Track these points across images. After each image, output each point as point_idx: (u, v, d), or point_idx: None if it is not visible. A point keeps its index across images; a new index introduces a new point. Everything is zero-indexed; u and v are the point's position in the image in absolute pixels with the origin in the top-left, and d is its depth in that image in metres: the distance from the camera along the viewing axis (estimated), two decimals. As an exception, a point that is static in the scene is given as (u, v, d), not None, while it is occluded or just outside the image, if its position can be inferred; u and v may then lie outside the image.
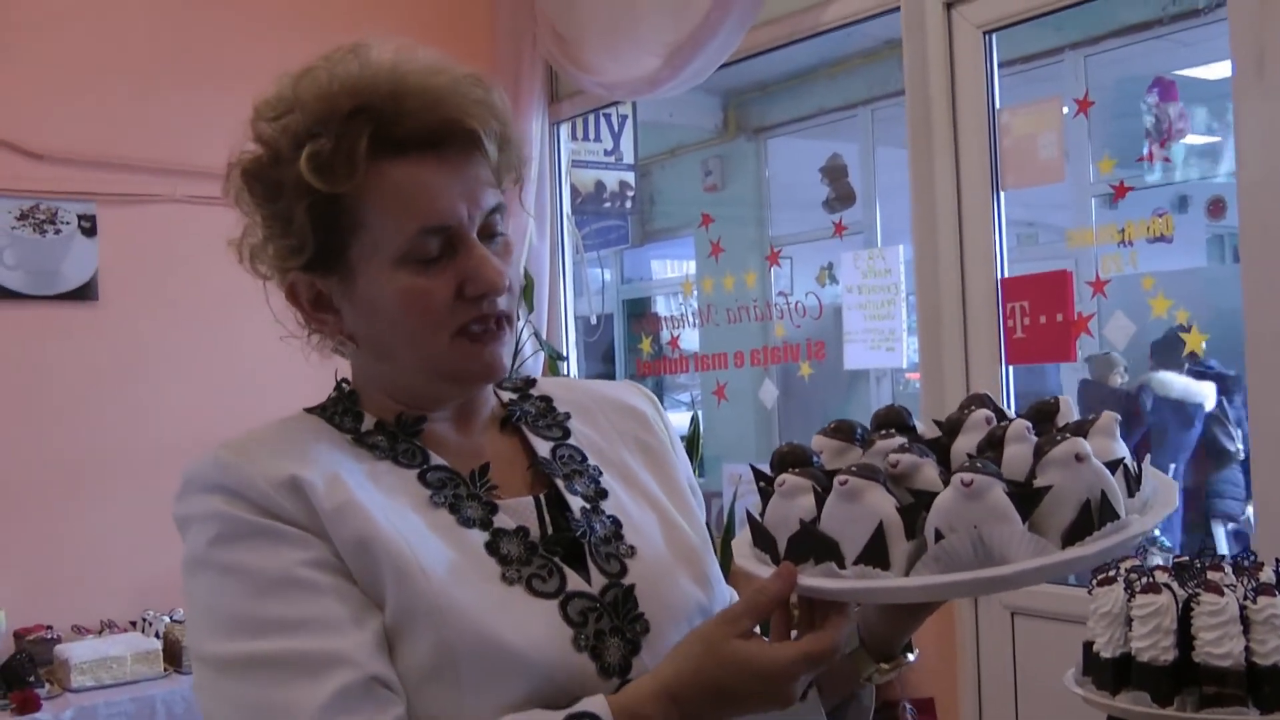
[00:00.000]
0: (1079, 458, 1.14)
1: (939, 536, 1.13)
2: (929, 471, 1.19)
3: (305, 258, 1.32)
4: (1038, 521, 1.14)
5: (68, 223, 4.42)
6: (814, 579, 1.18)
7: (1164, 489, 1.26)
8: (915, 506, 1.16)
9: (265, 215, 1.33)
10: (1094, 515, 1.13)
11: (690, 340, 5.23)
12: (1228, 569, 1.79)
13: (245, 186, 1.34)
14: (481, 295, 1.31)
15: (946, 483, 1.17)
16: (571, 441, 1.47)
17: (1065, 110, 3.55)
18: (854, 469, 1.17)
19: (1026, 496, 1.13)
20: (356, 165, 1.27)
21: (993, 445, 1.22)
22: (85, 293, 4.45)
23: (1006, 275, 3.59)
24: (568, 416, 1.51)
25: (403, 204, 1.28)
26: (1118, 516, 1.15)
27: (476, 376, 1.36)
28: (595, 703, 1.20)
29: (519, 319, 1.49)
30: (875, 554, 1.15)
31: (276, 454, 1.28)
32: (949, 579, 1.13)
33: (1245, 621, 1.66)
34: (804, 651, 1.18)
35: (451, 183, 1.30)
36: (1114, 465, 1.18)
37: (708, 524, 1.53)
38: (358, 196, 1.28)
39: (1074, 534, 1.13)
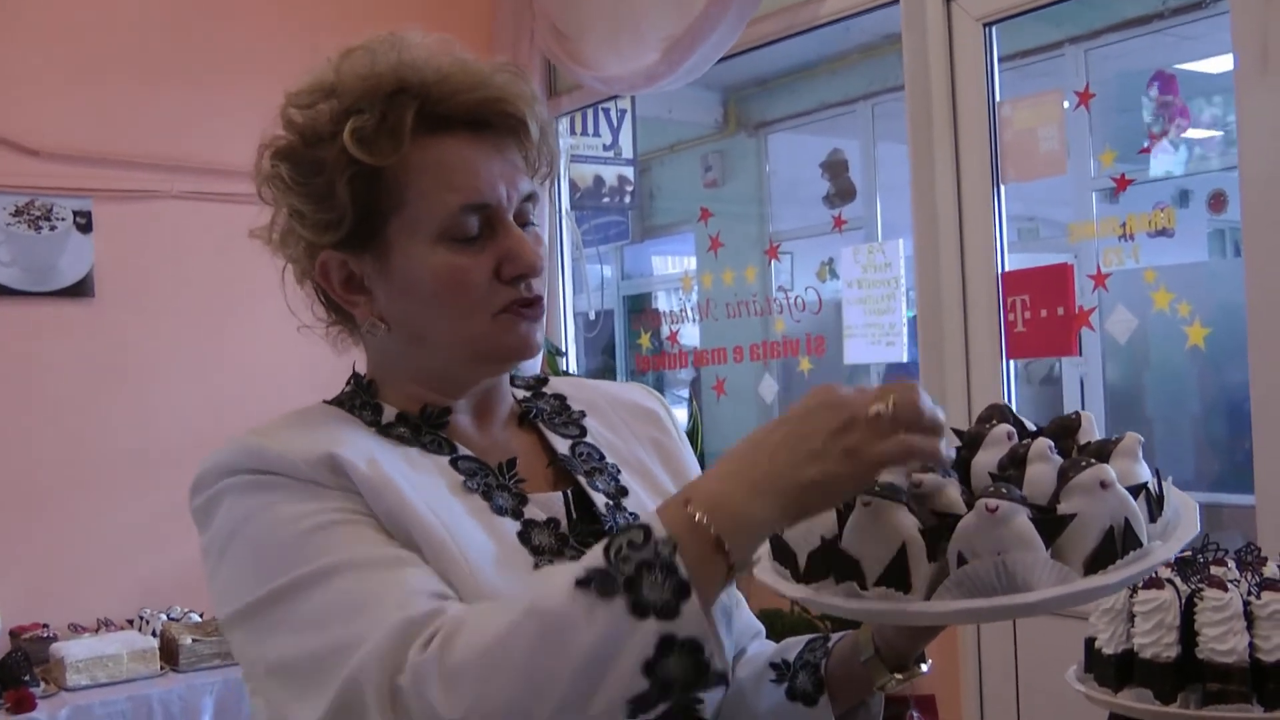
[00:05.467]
0: (1104, 484, 1.13)
1: (962, 560, 1.11)
2: (952, 492, 1.17)
3: (342, 233, 1.32)
4: (1061, 547, 1.12)
5: (63, 219, 4.41)
6: (836, 598, 1.16)
7: (1185, 511, 1.24)
8: (939, 529, 1.14)
9: (303, 192, 1.31)
10: (1117, 543, 1.12)
11: (690, 335, 5.21)
12: (1231, 564, 1.77)
13: (278, 168, 1.33)
14: (519, 276, 1.32)
15: (969, 503, 1.16)
16: (589, 440, 1.47)
17: (1066, 104, 3.54)
18: (877, 488, 1.15)
19: (1050, 523, 1.12)
20: (402, 138, 1.28)
21: (1015, 463, 1.20)
22: (81, 289, 4.44)
23: (1007, 269, 3.58)
24: (583, 415, 1.50)
25: (445, 180, 1.30)
26: (1140, 544, 1.13)
27: (513, 353, 1.36)
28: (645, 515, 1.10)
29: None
30: (897, 576, 1.13)
31: (305, 436, 1.26)
32: (971, 605, 1.11)
33: (1249, 617, 1.65)
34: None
35: (493, 163, 1.32)
36: (1137, 489, 1.16)
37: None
38: (400, 171, 1.30)
39: (1096, 561, 1.12)
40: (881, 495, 1.14)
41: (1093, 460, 1.16)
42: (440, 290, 1.31)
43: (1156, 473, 1.23)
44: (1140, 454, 1.22)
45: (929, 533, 1.13)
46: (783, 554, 1.24)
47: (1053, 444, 1.20)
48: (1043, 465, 1.17)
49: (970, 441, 1.28)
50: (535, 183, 1.39)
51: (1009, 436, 1.24)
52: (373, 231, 1.32)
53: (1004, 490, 1.12)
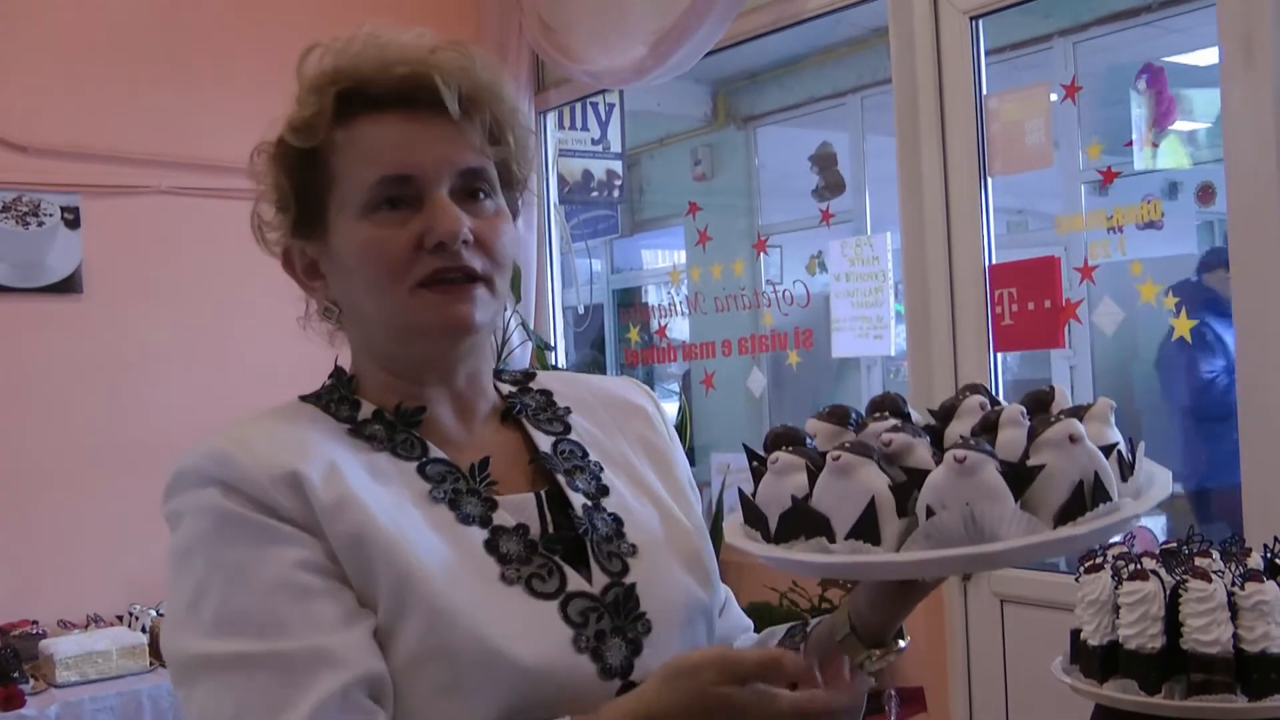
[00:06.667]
0: (1073, 438, 1.13)
1: (930, 513, 1.12)
2: (922, 451, 1.18)
3: (292, 219, 1.35)
4: (1030, 501, 1.13)
5: (51, 214, 4.40)
6: (804, 554, 1.16)
7: (1158, 476, 1.25)
8: (908, 484, 1.15)
9: (265, 186, 1.36)
10: (1087, 496, 1.12)
11: (680, 329, 5.21)
12: (1216, 555, 1.78)
13: (254, 162, 1.38)
14: (438, 245, 1.29)
15: (940, 462, 1.16)
16: (572, 437, 1.46)
17: (1053, 96, 3.54)
18: (847, 445, 1.15)
19: (1019, 475, 1.12)
20: (324, 119, 1.31)
21: (987, 429, 1.21)
22: (69, 285, 4.44)
23: (994, 262, 3.58)
24: (568, 411, 1.49)
25: (367, 155, 1.31)
26: (1110, 498, 1.13)
27: (437, 329, 1.32)
28: None
29: (507, 307, 1.48)
30: (866, 529, 1.13)
31: (274, 446, 1.26)
32: (938, 554, 1.11)
33: (1233, 608, 1.65)
34: (796, 705, 1.15)
35: (417, 136, 1.31)
36: (1108, 450, 1.17)
37: (697, 515, 1.51)
38: (330, 152, 1.32)
39: (1066, 514, 1.12)
40: (852, 451, 1.14)
41: (1062, 416, 1.16)
42: (361, 264, 1.31)
43: (1129, 440, 1.23)
44: (1112, 419, 1.23)
45: (898, 488, 1.14)
46: (753, 517, 1.24)
47: (1025, 410, 1.20)
48: (1014, 430, 1.18)
49: (945, 413, 1.29)
50: (488, 157, 1.36)
51: (981, 407, 1.25)
52: (315, 215, 1.34)
53: (973, 443, 1.13)
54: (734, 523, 1.30)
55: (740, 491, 1.29)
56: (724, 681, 1.15)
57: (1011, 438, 1.18)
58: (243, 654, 1.17)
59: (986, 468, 1.11)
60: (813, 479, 1.18)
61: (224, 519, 1.21)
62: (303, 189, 1.34)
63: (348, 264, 1.32)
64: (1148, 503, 1.17)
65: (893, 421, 1.24)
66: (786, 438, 1.28)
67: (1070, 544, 1.13)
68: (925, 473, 1.14)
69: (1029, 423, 1.19)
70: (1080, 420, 1.19)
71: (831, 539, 1.14)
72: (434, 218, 1.29)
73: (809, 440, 1.29)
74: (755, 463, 1.30)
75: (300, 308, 1.43)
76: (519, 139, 1.40)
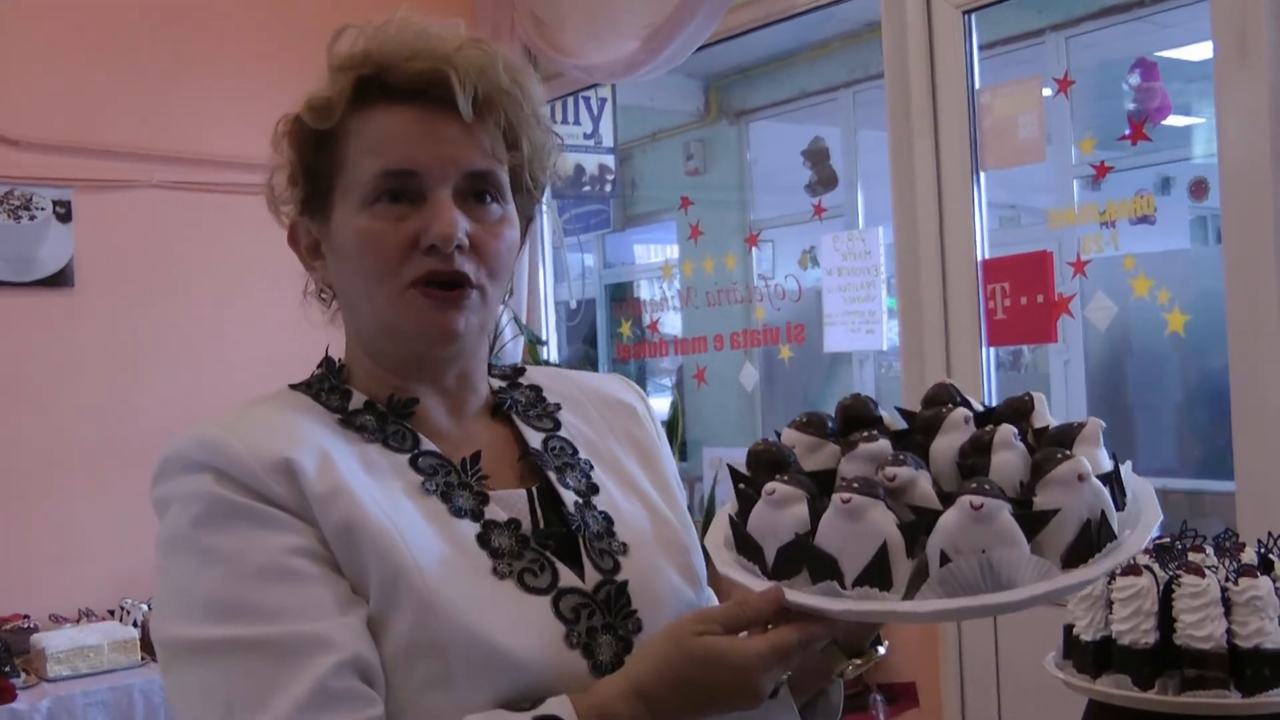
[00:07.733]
0: (1081, 478, 1.13)
1: (944, 558, 1.11)
2: (925, 485, 1.17)
3: (301, 195, 1.35)
4: (1040, 542, 1.12)
5: (43, 208, 4.39)
6: (816, 598, 1.14)
7: (1144, 496, 1.24)
8: (916, 526, 1.13)
9: (281, 159, 1.36)
10: (1094, 535, 1.12)
11: (672, 324, 5.20)
12: (1209, 550, 1.78)
13: (275, 131, 1.37)
14: (431, 247, 1.27)
15: (938, 494, 1.15)
16: (562, 433, 1.44)
17: (1046, 91, 3.54)
18: (855, 485, 1.13)
19: (1032, 519, 1.12)
20: (342, 102, 1.31)
21: (978, 450, 1.20)
22: (61, 279, 4.43)
23: (987, 256, 3.59)
24: (558, 407, 1.48)
25: (375, 145, 1.30)
26: (1115, 536, 1.14)
27: (421, 334, 1.31)
28: (559, 704, 1.17)
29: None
30: (878, 574, 1.12)
31: (266, 433, 1.25)
32: (959, 604, 1.11)
33: (1227, 603, 1.65)
34: (772, 644, 1.15)
35: (427, 132, 1.30)
36: (1105, 478, 1.17)
37: (689, 511, 1.50)
38: (342, 136, 1.31)
39: (1074, 554, 1.12)
40: (860, 492, 1.13)
41: (1068, 452, 1.15)
42: (355, 255, 1.30)
43: (1113, 457, 1.23)
44: (1102, 440, 1.22)
45: (907, 529, 1.13)
46: (746, 546, 1.22)
47: (1017, 432, 1.19)
48: (1008, 454, 1.17)
49: (925, 425, 1.26)
50: (500, 161, 1.33)
51: (966, 420, 1.23)
52: (323, 197, 1.34)
53: (986, 486, 1.12)
54: (721, 548, 1.28)
55: (731, 519, 1.26)
56: (702, 632, 1.16)
57: (1006, 461, 1.17)
58: (236, 639, 1.16)
59: (1002, 514, 1.10)
60: (813, 510, 1.16)
61: (216, 505, 1.20)
62: (313, 169, 1.33)
63: (344, 251, 1.32)
64: (1145, 534, 1.17)
65: (884, 443, 1.21)
66: (768, 457, 1.26)
67: (1083, 586, 1.14)
68: (932, 512, 1.13)
69: (1020, 444, 1.19)
70: (1072, 442, 1.19)
71: (842, 583, 1.13)
72: (431, 218, 1.28)
73: (791, 455, 1.27)
74: (741, 485, 1.27)
75: (296, 294, 1.42)
76: (536, 144, 1.38)
